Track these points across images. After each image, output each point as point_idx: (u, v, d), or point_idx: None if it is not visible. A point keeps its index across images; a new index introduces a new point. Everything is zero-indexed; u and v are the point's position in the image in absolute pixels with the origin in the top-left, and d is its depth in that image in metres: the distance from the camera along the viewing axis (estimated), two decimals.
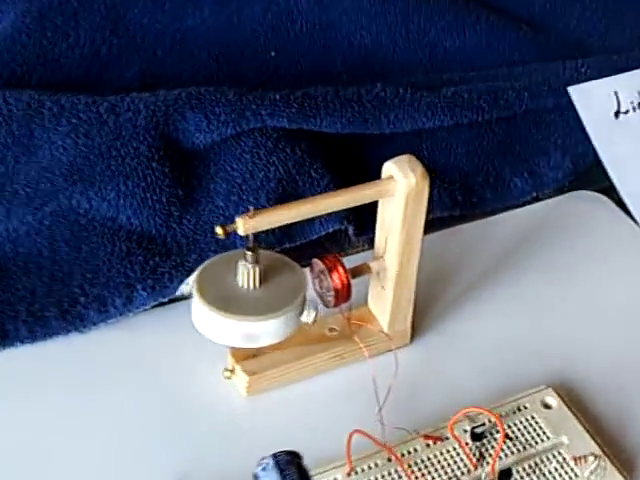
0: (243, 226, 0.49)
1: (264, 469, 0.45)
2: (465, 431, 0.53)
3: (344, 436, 0.50)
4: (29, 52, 0.75)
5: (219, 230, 0.50)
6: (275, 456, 0.45)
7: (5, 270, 0.62)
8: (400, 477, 0.51)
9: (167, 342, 0.60)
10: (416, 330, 0.61)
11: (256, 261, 0.52)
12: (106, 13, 0.79)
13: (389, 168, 0.53)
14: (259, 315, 0.52)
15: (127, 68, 0.77)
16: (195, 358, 0.59)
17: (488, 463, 0.52)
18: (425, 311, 0.63)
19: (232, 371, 0.57)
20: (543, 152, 0.75)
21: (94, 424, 0.55)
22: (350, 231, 0.67)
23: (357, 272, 0.56)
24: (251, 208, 0.49)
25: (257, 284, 0.52)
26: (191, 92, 0.67)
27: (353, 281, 0.55)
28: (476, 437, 0.53)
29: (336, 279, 0.54)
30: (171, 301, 0.61)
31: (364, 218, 0.66)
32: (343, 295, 0.55)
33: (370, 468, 0.51)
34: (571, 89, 0.74)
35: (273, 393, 0.57)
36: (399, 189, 0.52)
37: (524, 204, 0.73)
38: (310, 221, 0.65)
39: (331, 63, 0.80)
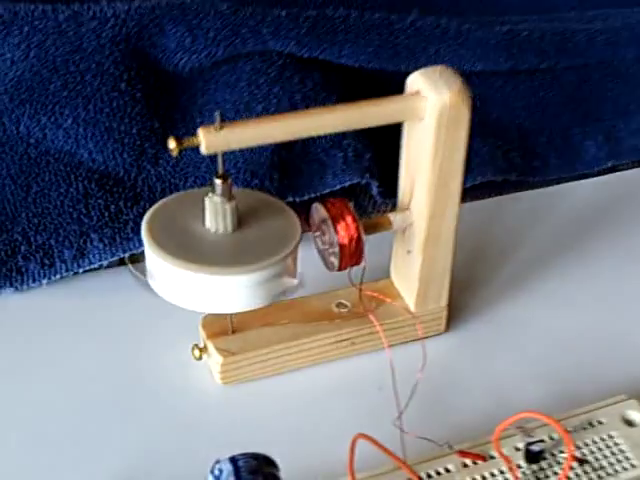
0: (206, 140, 0.35)
1: (217, 477, 0.30)
2: (517, 449, 0.38)
3: (347, 445, 0.36)
4: None
5: (172, 143, 0.35)
6: (234, 460, 0.30)
7: None
8: None
9: (126, 309, 0.46)
10: (454, 315, 0.46)
11: (229, 195, 0.38)
12: None
13: (415, 81, 0.39)
14: (231, 267, 0.37)
15: None
16: (159, 331, 0.45)
17: None
18: (468, 292, 0.48)
19: (203, 350, 0.43)
20: (622, 112, 0.60)
21: (28, 402, 0.42)
22: (374, 189, 0.52)
23: (372, 226, 0.42)
24: (217, 115, 0.35)
25: (230, 227, 0.38)
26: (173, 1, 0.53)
27: (371, 241, 0.41)
28: (532, 458, 0.38)
29: (342, 231, 0.40)
30: (133, 259, 0.48)
31: (393, 173, 0.51)
32: (351, 253, 0.40)
33: None
34: None
35: (256, 383, 0.43)
36: (430, 109, 0.38)
37: (597, 174, 0.59)
38: (321, 170, 0.51)
39: None
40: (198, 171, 0.50)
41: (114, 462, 0.39)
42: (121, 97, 0.50)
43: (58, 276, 0.47)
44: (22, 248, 0.47)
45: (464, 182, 0.53)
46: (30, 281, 0.46)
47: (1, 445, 0.39)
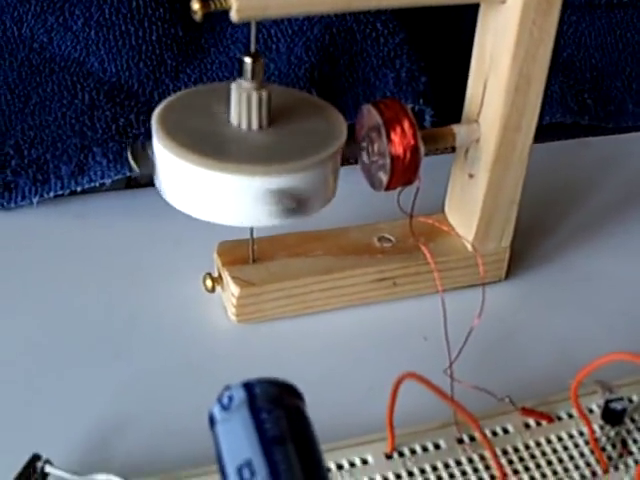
0: (239, 2, 0.28)
1: (226, 407, 0.23)
2: (591, 411, 0.31)
3: (383, 398, 0.29)
4: None
5: (196, 4, 0.29)
6: (248, 386, 0.23)
7: None
8: (476, 471, 0.29)
9: (129, 234, 0.40)
10: (515, 261, 0.40)
11: (260, 80, 0.31)
12: None
13: None
14: (258, 166, 0.30)
15: None
16: (167, 259, 0.39)
17: (629, 466, 0.29)
18: (532, 238, 0.42)
19: (217, 280, 0.36)
20: None
21: (12, 333, 0.35)
22: (427, 118, 0.46)
23: (432, 139, 0.35)
24: None
25: (262, 122, 0.31)
26: None
27: (426, 161, 0.34)
28: (612, 418, 0.31)
29: (396, 138, 0.33)
30: (144, 183, 0.42)
31: (450, 100, 0.45)
32: (405, 167, 0.33)
33: (425, 450, 0.30)
34: None
35: (276, 323, 0.36)
36: None
37: None
38: (368, 92, 0.45)
39: None
40: None
41: (109, 401, 0.32)
42: None
43: (52, 194, 0.41)
44: (13, 162, 0.41)
45: None
46: (19, 198, 0.40)
47: None
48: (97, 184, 0.40)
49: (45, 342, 0.35)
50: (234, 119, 0.32)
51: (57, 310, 0.36)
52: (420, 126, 0.45)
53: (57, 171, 0.40)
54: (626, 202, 0.45)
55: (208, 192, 0.31)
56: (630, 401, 0.32)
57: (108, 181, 0.40)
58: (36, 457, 0.29)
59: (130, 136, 0.41)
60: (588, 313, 0.38)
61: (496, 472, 0.29)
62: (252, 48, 0.31)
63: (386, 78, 0.45)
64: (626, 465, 0.30)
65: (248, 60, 0.31)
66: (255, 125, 0.31)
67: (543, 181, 0.45)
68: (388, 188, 0.34)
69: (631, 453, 0.30)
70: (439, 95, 0.46)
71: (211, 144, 0.31)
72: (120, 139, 0.41)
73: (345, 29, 0.45)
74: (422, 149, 0.33)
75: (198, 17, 0.29)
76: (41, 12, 0.44)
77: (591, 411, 0.32)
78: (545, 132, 0.49)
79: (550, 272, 0.40)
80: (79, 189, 0.40)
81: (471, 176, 0.36)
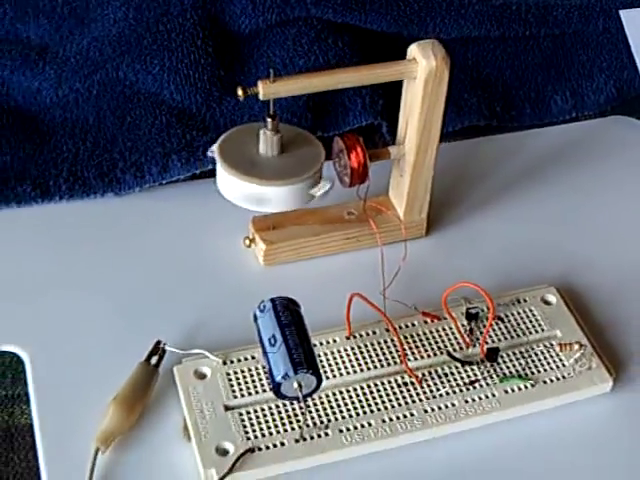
0: (263, 90, 0.52)
1: (262, 310, 0.48)
2: (462, 314, 0.55)
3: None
4: None
5: (239, 91, 0.52)
6: (273, 300, 0.48)
7: (53, 133, 0.66)
8: (395, 346, 0.54)
9: (196, 212, 0.63)
10: (433, 225, 0.63)
11: (276, 129, 0.54)
12: None
13: (412, 50, 0.55)
14: (275, 180, 0.54)
15: None
16: (221, 227, 0.61)
17: (480, 344, 0.54)
18: (445, 210, 0.65)
19: (252, 240, 0.60)
20: (587, 74, 0.75)
21: (121, 274, 0.58)
22: (384, 128, 0.68)
23: (376, 155, 0.58)
24: (272, 72, 0.51)
25: (276, 152, 0.55)
26: None
27: (376, 169, 0.57)
28: (469, 317, 0.55)
29: (353, 158, 0.56)
30: (205, 177, 0.64)
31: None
32: (359, 175, 0.57)
33: (368, 335, 0.54)
34: (623, 12, 0.73)
35: (288, 265, 0.60)
36: (420, 71, 0.54)
37: (563, 122, 0.74)
38: (344, 113, 0.67)
39: None
40: (252, 110, 0.67)
41: (194, 310, 0.56)
42: (197, 51, 0.66)
43: (147, 185, 0.63)
44: (120, 164, 0.63)
45: (455, 125, 0.69)
46: (126, 188, 0.63)
47: (105, 304, 0.56)
48: (175, 178, 0.64)
49: (150, 278, 0.58)
50: (261, 150, 0.55)
51: (155, 259, 0.59)
52: (380, 135, 0.69)
53: (149, 170, 0.63)
54: (514, 182, 0.66)
55: (247, 193, 0.55)
56: (487, 309, 0.56)
57: (182, 177, 0.64)
58: (159, 342, 0.52)
59: (194, 147, 0.64)
60: (476, 259, 0.61)
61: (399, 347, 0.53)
62: (271, 112, 0.54)
63: (356, 102, 0.66)
64: (479, 344, 0.54)
65: (269, 119, 0.54)
66: (273, 154, 0.55)
67: (461, 168, 0.68)
68: (350, 186, 0.58)
69: (478, 338, 0.54)
70: (393, 112, 0.68)
71: (248, 165, 0.54)
72: (188, 149, 0.63)
73: None
74: (369, 163, 0.57)
75: (241, 99, 0.52)
76: (131, 62, 0.66)
77: (462, 313, 0.56)
78: (464, 132, 0.71)
79: (455, 232, 0.62)
80: (164, 182, 0.63)
81: (401, 175, 0.60)
